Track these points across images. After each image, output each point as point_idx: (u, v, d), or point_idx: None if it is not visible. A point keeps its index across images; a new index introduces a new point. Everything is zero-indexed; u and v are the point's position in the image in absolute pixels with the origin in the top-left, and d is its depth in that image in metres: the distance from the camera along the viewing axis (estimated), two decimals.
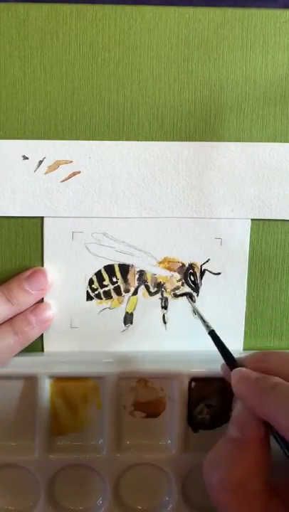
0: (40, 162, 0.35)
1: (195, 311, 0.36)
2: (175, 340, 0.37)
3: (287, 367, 0.29)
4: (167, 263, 0.37)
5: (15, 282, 0.35)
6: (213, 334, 0.33)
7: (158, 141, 0.35)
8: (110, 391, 0.36)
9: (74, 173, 0.36)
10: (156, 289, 0.37)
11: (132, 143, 0.35)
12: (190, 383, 0.36)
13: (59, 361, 0.36)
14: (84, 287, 0.37)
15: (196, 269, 0.37)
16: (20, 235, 0.36)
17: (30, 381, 0.35)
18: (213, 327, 0.34)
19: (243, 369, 0.30)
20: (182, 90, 0.35)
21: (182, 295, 0.37)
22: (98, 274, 0.37)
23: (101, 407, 0.36)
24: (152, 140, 0.35)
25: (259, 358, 0.31)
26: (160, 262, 0.37)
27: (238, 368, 0.30)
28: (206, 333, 0.34)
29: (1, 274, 0.36)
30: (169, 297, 0.37)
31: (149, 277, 0.37)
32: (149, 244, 0.37)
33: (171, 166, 0.36)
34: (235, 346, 0.37)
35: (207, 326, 0.34)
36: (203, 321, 0.35)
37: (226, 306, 0.37)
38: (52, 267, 0.36)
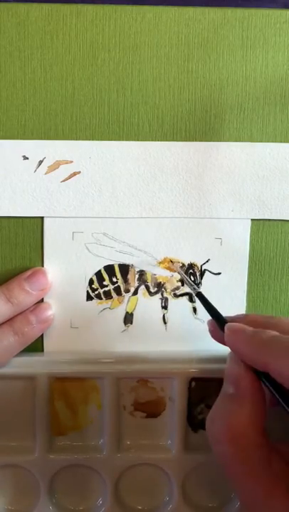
0: (40, 162, 0.35)
1: (180, 274, 0.37)
2: (175, 340, 0.37)
3: (271, 326, 0.30)
4: (167, 263, 0.37)
5: (15, 282, 0.35)
6: (200, 296, 0.34)
7: (158, 141, 0.35)
8: (110, 391, 0.36)
9: (74, 173, 0.36)
10: (156, 289, 0.37)
11: (132, 143, 0.35)
12: (190, 383, 0.36)
13: (59, 361, 0.36)
14: (84, 287, 0.37)
15: (196, 269, 0.37)
16: (20, 235, 0.36)
17: (30, 381, 0.35)
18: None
19: (238, 324, 0.30)
20: (182, 90, 0.35)
21: (182, 295, 0.37)
22: (98, 274, 0.37)
23: (101, 407, 0.36)
24: (152, 140, 0.35)
25: (242, 319, 0.32)
26: (160, 262, 0.37)
27: (233, 323, 0.31)
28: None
29: (1, 274, 0.36)
30: (169, 297, 0.37)
31: (149, 277, 0.37)
32: (149, 244, 0.37)
33: (171, 166, 0.36)
34: None
35: (194, 289, 0.35)
36: (190, 284, 0.35)
37: (226, 306, 0.37)
38: (52, 267, 0.36)
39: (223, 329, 0.31)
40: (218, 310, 0.33)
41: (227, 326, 0.31)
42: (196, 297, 0.36)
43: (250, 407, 0.28)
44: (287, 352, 0.26)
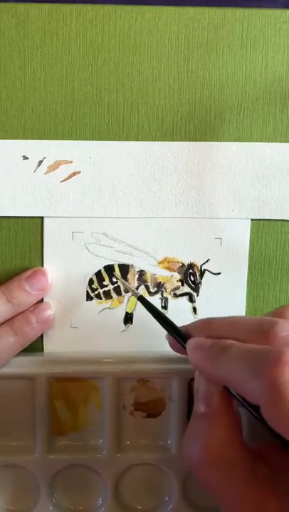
0: (40, 162, 0.35)
1: (118, 279, 0.36)
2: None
3: (229, 330, 0.29)
4: (167, 263, 0.37)
5: (15, 282, 0.35)
6: (142, 299, 0.34)
7: (158, 141, 0.35)
8: (110, 391, 0.36)
9: (74, 173, 0.36)
10: (156, 289, 0.37)
11: (132, 143, 0.35)
12: (190, 383, 0.36)
13: (59, 361, 0.36)
14: (84, 287, 0.37)
15: (196, 269, 0.37)
16: (20, 235, 0.36)
17: (30, 381, 0.35)
18: None
19: (199, 338, 0.30)
20: (182, 90, 0.35)
21: (182, 295, 0.37)
22: (98, 274, 0.37)
23: (101, 407, 0.36)
24: (152, 140, 0.35)
25: (198, 327, 0.31)
26: (160, 262, 0.37)
27: (193, 338, 0.30)
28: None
29: (1, 274, 0.36)
30: (169, 297, 0.37)
31: (149, 277, 0.37)
32: (149, 244, 0.37)
33: (171, 166, 0.36)
34: None
35: (135, 293, 0.35)
36: (129, 288, 0.36)
37: (226, 306, 0.37)
38: (52, 267, 0.36)
39: (176, 339, 0.31)
40: (171, 320, 0.33)
41: (187, 344, 0.30)
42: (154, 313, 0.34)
43: (225, 424, 0.27)
44: (238, 362, 0.25)
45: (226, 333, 0.28)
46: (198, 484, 0.36)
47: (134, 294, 0.35)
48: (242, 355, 0.26)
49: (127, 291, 0.37)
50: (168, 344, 0.33)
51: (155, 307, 0.34)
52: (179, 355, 0.36)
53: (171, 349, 0.37)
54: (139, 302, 0.35)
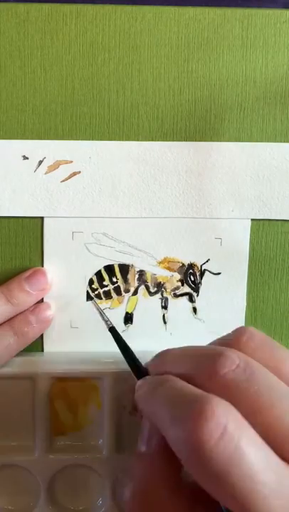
0: (40, 162, 0.35)
1: (96, 307, 0.36)
2: (175, 340, 0.37)
3: (178, 364, 0.26)
4: (167, 263, 0.37)
5: (15, 282, 0.35)
6: (113, 331, 0.33)
7: (158, 141, 0.35)
8: (110, 391, 0.36)
9: (74, 173, 0.36)
10: (156, 289, 0.37)
11: (132, 143, 0.35)
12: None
13: (59, 361, 0.36)
14: (84, 287, 0.37)
15: (196, 269, 0.37)
16: (20, 235, 0.36)
17: (30, 381, 0.35)
18: (214, 327, 0.34)
19: (144, 378, 0.28)
20: (182, 90, 0.35)
21: (182, 295, 0.37)
22: (98, 274, 0.37)
23: (101, 407, 0.36)
24: (152, 140, 0.35)
25: (156, 361, 0.29)
26: (160, 262, 0.37)
27: (141, 379, 0.28)
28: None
29: (1, 274, 0.36)
30: (169, 297, 0.37)
31: (149, 277, 0.37)
32: (149, 244, 0.37)
33: (171, 166, 0.36)
34: None
35: (106, 323, 0.34)
36: (103, 318, 0.35)
37: (226, 306, 0.37)
38: (52, 267, 0.36)
39: (135, 375, 0.30)
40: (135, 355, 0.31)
41: (137, 383, 0.28)
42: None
43: (159, 466, 0.25)
44: (161, 405, 0.24)
45: (177, 366, 0.26)
46: None
47: (106, 324, 0.34)
48: (168, 397, 0.24)
49: (127, 291, 0.37)
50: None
51: (123, 341, 0.32)
52: None
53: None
54: (137, 303, 0.35)
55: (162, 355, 0.28)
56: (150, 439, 0.27)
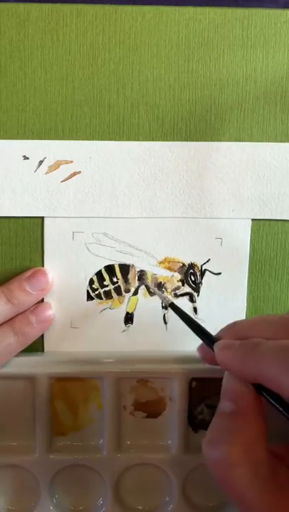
0: (41, 162, 0.35)
1: (151, 288, 0.37)
2: (175, 340, 0.37)
3: (257, 331, 0.29)
4: (168, 263, 0.37)
5: (15, 283, 0.35)
6: (173, 306, 0.34)
7: (158, 141, 0.35)
8: (110, 391, 0.36)
9: (74, 173, 0.36)
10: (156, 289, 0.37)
11: (132, 143, 0.35)
12: (190, 383, 0.36)
13: (59, 361, 0.36)
14: (84, 287, 0.37)
15: (196, 269, 0.37)
16: (20, 235, 0.36)
17: (30, 381, 0.35)
18: (214, 327, 0.33)
19: (226, 340, 0.30)
20: (182, 90, 0.35)
21: (183, 295, 0.37)
22: (98, 274, 0.37)
23: (101, 407, 0.36)
24: (152, 140, 0.35)
25: (229, 330, 0.31)
26: (160, 262, 0.37)
27: (220, 341, 0.30)
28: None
29: (1, 274, 0.36)
30: (170, 297, 0.37)
31: (149, 277, 0.37)
32: (150, 244, 0.37)
33: (171, 166, 0.36)
34: None
35: (166, 300, 0.35)
36: (160, 296, 0.36)
37: (227, 306, 0.37)
38: (52, 267, 0.36)
39: (209, 345, 0.31)
40: (205, 327, 0.33)
41: (216, 344, 0.30)
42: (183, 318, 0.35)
43: (254, 422, 0.27)
44: (269, 357, 0.26)
45: (251, 333, 0.29)
46: (198, 485, 0.36)
47: (165, 301, 0.35)
48: (275, 350, 0.26)
49: (127, 290, 0.37)
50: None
51: (186, 313, 0.34)
52: (179, 355, 0.36)
53: (171, 349, 0.37)
54: (138, 303, 0.35)
55: (231, 326, 0.31)
56: (239, 398, 0.28)
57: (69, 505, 0.37)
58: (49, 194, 0.36)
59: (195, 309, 0.37)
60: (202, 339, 0.32)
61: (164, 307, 0.37)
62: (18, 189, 0.35)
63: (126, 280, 0.37)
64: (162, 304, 0.37)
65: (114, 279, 0.37)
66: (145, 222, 0.36)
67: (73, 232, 0.36)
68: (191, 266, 0.37)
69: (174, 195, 0.36)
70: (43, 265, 0.36)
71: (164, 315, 0.37)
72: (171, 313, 0.37)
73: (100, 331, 0.37)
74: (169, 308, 0.37)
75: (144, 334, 0.37)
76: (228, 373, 0.29)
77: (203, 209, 0.36)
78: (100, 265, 0.37)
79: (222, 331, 0.32)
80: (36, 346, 0.36)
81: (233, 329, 0.31)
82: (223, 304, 0.37)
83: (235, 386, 0.28)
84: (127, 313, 0.37)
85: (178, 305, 0.34)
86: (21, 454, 0.36)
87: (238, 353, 0.28)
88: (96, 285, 0.37)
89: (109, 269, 0.37)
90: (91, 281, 0.37)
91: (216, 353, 0.30)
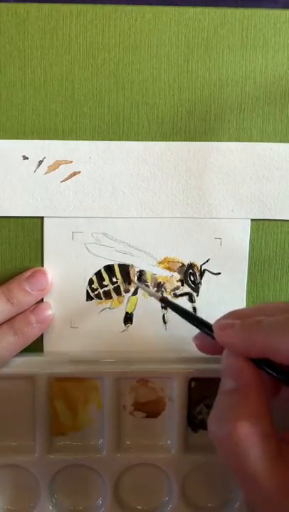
0: (40, 162, 0.35)
1: (137, 284, 0.37)
2: (175, 340, 0.37)
3: (259, 315, 0.29)
4: (167, 263, 0.37)
5: (15, 282, 0.35)
6: (165, 301, 0.35)
7: (158, 141, 0.35)
8: (110, 391, 0.36)
9: (74, 173, 0.36)
10: (156, 289, 0.37)
11: (132, 143, 0.35)
12: (190, 383, 0.36)
13: (59, 361, 0.36)
14: (84, 287, 0.37)
15: (196, 269, 0.37)
16: (20, 235, 0.36)
17: (30, 381, 0.35)
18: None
19: (225, 319, 0.30)
20: (182, 90, 0.35)
21: (182, 295, 0.37)
22: (98, 274, 0.37)
23: (101, 407, 0.36)
24: (152, 140, 0.35)
25: (230, 314, 0.31)
26: (160, 262, 0.37)
27: (220, 321, 0.30)
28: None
29: (1, 274, 0.36)
30: (169, 297, 0.37)
31: (149, 277, 0.37)
32: (149, 244, 0.37)
33: (171, 166, 0.36)
34: None
35: (156, 296, 0.36)
36: (150, 292, 0.36)
37: (226, 306, 0.37)
38: (52, 267, 0.36)
39: (207, 333, 0.31)
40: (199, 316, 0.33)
41: (215, 323, 0.30)
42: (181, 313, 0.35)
43: (256, 397, 0.27)
44: (278, 329, 0.26)
45: (252, 315, 0.29)
46: (198, 485, 0.36)
47: (155, 297, 0.36)
48: (283, 322, 0.27)
49: (127, 291, 0.37)
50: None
51: (179, 305, 0.34)
52: (178, 355, 0.36)
53: (171, 349, 0.37)
54: (137, 303, 0.35)
55: (232, 312, 0.31)
56: (240, 375, 0.28)
57: (69, 505, 0.38)
58: (49, 194, 0.36)
59: (194, 309, 0.37)
60: (199, 328, 0.32)
61: (164, 307, 0.37)
62: (18, 189, 0.35)
63: (125, 280, 0.37)
64: (162, 304, 0.37)
65: (114, 279, 0.37)
66: (145, 222, 0.36)
67: (73, 232, 0.36)
68: (191, 266, 0.37)
69: (173, 195, 0.36)
70: (42, 265, 0.36)
71: (164, 315, 0.37)
72: (170, 314, 0.37)
73: (99, 331, 0.37)
74: (169, 308, 0.37)
75: (144, 334, 0.37)
76: (227, 352, 0.29)
77: (203, 209, 0.36)
78: (100, 265, 0.37)
79: (221, 316, 0.32)
80: (36, 346, 0.36)
81: (233, 313, 0.31)
82: (222, 304, 0.37)
83: (236, 363, 0.28)
84: (127, 313, 0.37)
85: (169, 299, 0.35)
86: (21, 454, 0.36)
87: (242, 330, 0.28)
88: (95, 285, 0.37)
89: (109, 269, 0.37)
90: (90, 281, 0.37)
91: (215, 333, 0.30)
